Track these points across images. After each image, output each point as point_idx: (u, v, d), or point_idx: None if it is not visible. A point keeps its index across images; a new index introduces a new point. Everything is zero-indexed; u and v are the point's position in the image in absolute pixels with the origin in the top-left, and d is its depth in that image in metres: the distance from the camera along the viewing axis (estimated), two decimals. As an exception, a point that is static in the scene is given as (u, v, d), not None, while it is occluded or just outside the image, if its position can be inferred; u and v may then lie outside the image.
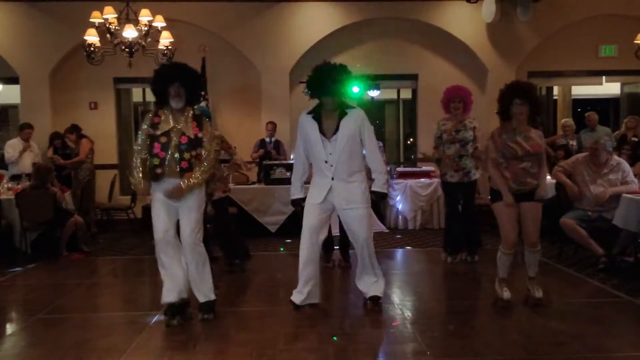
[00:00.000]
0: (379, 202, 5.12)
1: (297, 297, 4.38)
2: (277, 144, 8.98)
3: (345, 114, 4.32)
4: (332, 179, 4.32)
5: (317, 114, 4.37)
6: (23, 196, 6.75)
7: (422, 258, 6.73)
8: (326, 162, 4.32)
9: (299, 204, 4.50)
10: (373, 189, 4.49)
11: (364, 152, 4.44)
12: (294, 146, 4.82)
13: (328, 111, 4.34)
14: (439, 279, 5.80)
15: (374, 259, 4.52)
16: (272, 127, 8.99)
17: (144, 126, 4.17)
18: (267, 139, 8.94)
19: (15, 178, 7.82)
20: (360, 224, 4.36)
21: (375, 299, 4.51)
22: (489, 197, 4.61)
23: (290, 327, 4.09)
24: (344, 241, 5.88)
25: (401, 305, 4.68)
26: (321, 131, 4.31)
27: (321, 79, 4.26)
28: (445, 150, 6.08)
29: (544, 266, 6.00)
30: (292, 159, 4.65)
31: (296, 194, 4.52)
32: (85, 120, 9.19)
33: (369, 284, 4.54)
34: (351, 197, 4.33)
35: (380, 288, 4.54)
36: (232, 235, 5.89)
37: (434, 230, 8.44)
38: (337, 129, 4.29)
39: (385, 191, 4.53)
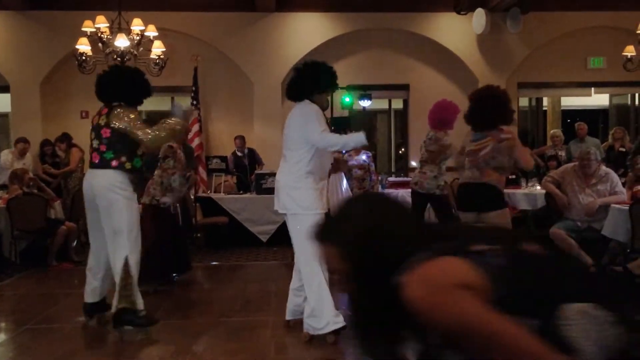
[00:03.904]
0: None
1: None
2: (252, 153, 9.05)
3: None
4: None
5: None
6: (15, 204, 6.71)
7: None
8: (332, 164, 4.14)
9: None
10: None
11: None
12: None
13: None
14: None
15: None
16: (240, 142, 9.04)
17: None
18: (239, 153, 8.97)
19: (3, 188, 7.77)
20: None
21: None
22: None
23: (281, 337, 4.08)
24: None
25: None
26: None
27: (334, 75, 4.06)
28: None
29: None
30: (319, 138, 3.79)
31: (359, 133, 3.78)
32: (76, 129, 9.14)
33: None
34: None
35: None
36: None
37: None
38: None
39: None
